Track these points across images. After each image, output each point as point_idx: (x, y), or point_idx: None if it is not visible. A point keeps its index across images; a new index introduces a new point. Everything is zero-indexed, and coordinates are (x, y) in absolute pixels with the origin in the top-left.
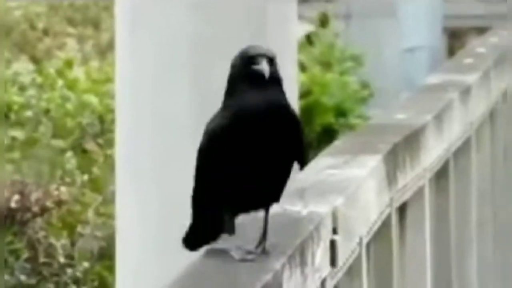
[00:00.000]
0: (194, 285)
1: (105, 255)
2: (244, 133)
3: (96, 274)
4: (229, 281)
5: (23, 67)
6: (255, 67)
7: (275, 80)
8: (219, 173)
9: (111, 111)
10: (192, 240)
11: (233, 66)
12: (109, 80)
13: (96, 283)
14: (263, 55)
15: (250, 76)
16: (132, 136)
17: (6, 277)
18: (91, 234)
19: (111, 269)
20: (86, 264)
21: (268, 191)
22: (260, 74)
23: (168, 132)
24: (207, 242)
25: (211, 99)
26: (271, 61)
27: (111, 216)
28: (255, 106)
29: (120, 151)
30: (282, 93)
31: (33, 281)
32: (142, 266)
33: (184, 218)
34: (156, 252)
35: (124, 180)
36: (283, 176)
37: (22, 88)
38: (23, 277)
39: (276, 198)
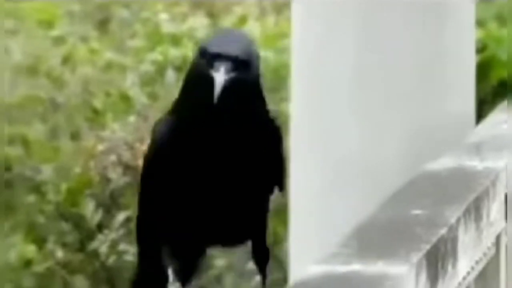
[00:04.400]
0: (370, 240)
1: (281, 211)
2: (188, 149)
3: (271, 229)
4: (405, 234)
5: (199, 22)
6: (211, 72)
7: (241, 87)
8: (161, 197)
9: (286, 66)
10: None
11: (194, 55)
12: (284, 35)
13: (271, 238)
14: (224, 57)
15: (203, 80)
16: (308, 92)
17: None
18: None
19: (285, 224)
20: None
21: (230, 224)
22: (211, 85)
23: (337, 89)
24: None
25: (378, 57)
26: (238, 63)
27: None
28: (198, 123)
29: (295, 107)
30: (246, 102)
31: None
32: (313, 221)
33: (354, 174)
34: (326, 208)
35: (298, 136)
36: (252, 206)
37: (198, 43)
38: None
39: (249, 234)
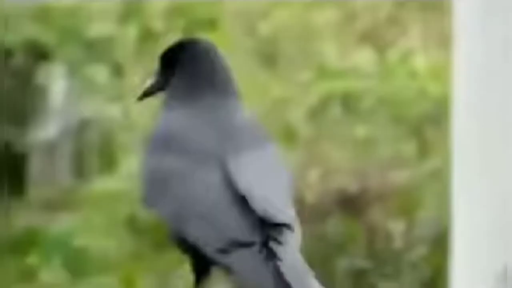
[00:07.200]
0: None
1: (442, 241)
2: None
3: (432, 261)
4: None
5: (364, 55)
6: None
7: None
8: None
9: (449, 98)
10: None
11: None
12: (448, 67)
13: (431, 270)
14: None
15: None
16: (473, 124)
17: (344, 261)
18: (428, 220)
19: (447, 255)
20: (423, 250)
21: None
22: None
23: (506, 120)
24: None
25: None
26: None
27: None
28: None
29: (456, 138)
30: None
31: (369, 265)
32: (478, 254)
33: None
34: (490, 242)
35: (463, 169)
36: None
37: (363, 77)
38: (360, 262)
39: None
